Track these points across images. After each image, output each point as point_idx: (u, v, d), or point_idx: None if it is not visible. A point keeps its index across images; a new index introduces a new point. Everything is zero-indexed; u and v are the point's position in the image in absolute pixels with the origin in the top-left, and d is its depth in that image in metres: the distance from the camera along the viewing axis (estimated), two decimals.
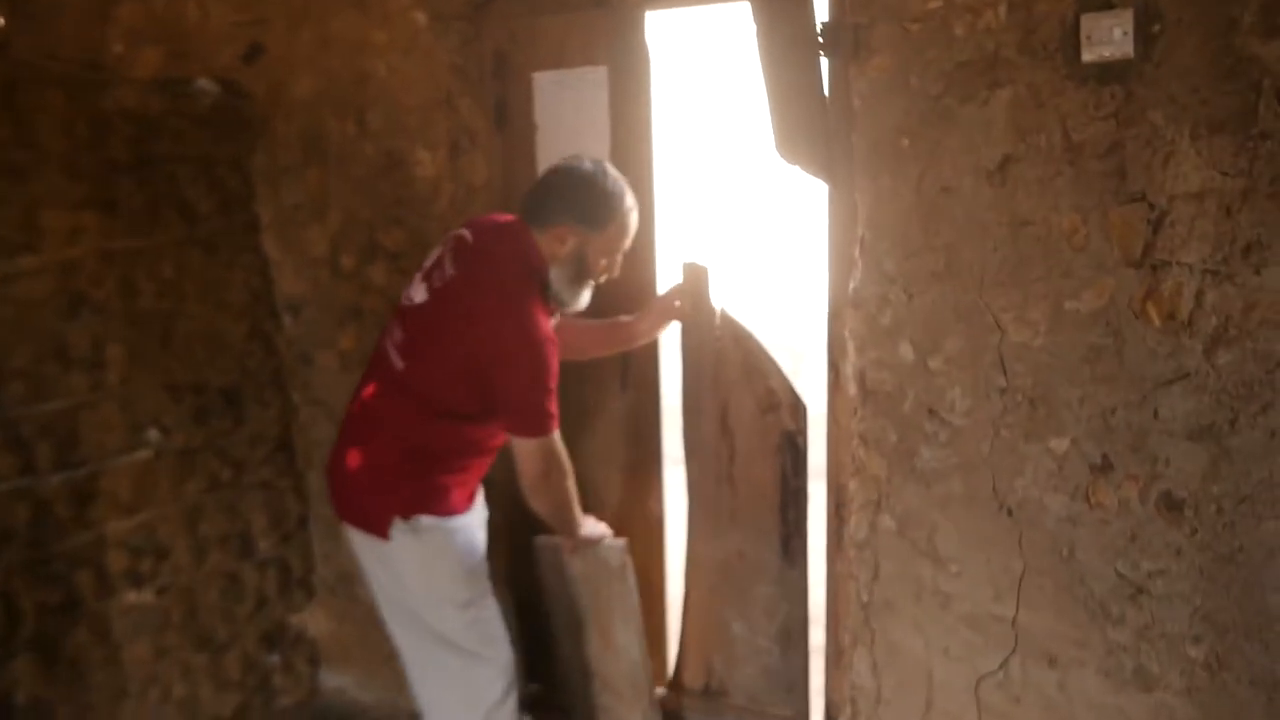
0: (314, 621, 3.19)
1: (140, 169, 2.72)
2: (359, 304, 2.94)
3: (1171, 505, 2.05)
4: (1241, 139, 1.89)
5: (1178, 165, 1.94)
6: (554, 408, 2.21)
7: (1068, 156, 2.03)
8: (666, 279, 2.62)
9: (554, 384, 2.20)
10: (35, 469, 2.44)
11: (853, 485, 2.37)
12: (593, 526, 2.50)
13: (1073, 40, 2.00)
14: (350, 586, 3.04)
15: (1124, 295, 2.02)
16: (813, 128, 2.24)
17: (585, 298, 2.32)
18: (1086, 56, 1.99)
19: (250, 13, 2.89)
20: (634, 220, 2.26)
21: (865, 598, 2.40)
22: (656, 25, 2.52)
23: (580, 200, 2.20)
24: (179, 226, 2.81)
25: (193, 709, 2.87)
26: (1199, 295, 1.96)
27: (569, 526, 2.41)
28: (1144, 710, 2.12)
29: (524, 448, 2.22)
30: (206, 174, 2.90)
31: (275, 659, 3.08)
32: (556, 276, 2.25)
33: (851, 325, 2.31)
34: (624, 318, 2.57)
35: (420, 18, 2.68)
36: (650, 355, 2.67)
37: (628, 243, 2.29)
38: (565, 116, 2.61)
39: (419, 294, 2.28)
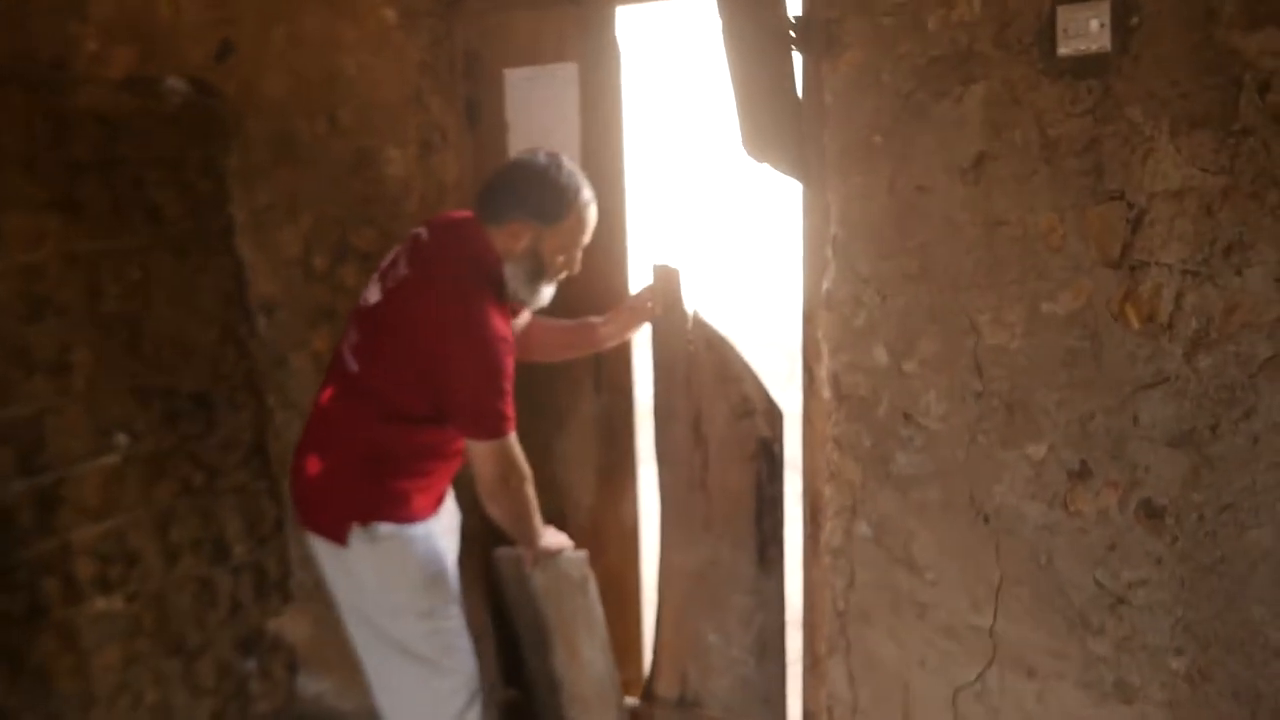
0: (292, 627, 3.15)
1: (106, 170, 2.67)
2: (332, 305, 2.89)
3: (1151, 513, 1.98)
4: (1222, 135, 1.82)
5: (1157, 162, 1.88)
6: (509, 409, 2.15)
7: (1044, 154, 1.97)
8: (639, 278, 2.57)
9: (509, 385, 2.15)
10: None
11: (828, 491, 2.31)
12: (553, 537, 2.44)
13: (1049, 33, 1.93)
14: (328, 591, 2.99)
15: (1102, 297, 1.96)
16: (784, 125, 2.18)
17: (545, 294, 2.26)
18: (1063, 50, 1.92)
19: (221, 10, 2.84)
20: (592, 214, 2.20)
21: (841, 606, 2.34)
22: (627, 21, 2.46)
23: (534, 194, 2.14)
24: (147, 228, 2.77)
25: (166, 715, 2.83)
26: (1179, 297, 1.89)
27: (527, 535, 2.35)
28: None
29: (478, 451, 2.17)
30: (176, 175, 2.85)
31: (251, 665, 3.04)
32: (512, 274, 2.19)
33: (825, 327, 2.25)
34: (594, 318, 2.51)
35: (390, 14, 2.63)
36: (623, 358, 2.62)
37: (586, 237, 2.23)
38: (537, 114, 2.56)
39: (373, 294, 2.23)
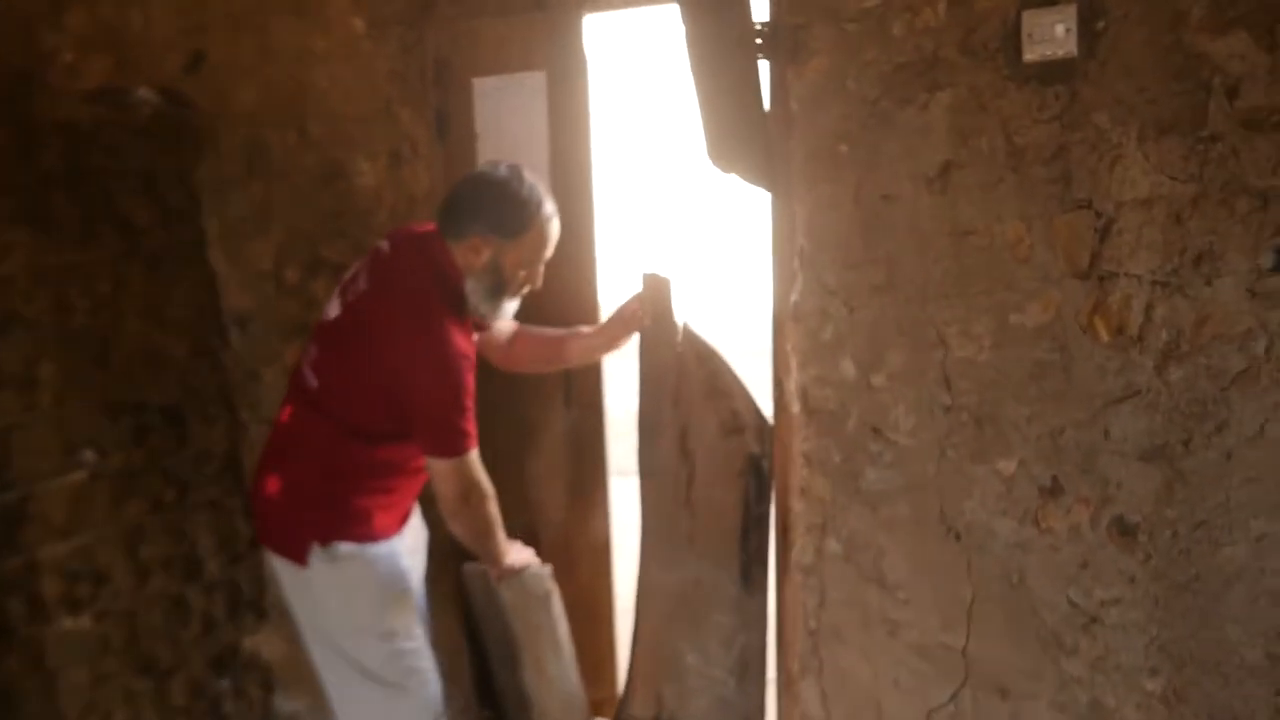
0: (268, 645, 3.10)
1: (75, 182, 2.64)
2: (304, 319, 2.85)
3: (1124, 530, 1.93)
4: (1191, 141, 1.78)
5: (1125, 170, 1.83)
6: (470, 426, 2.11)
7: (1010, 162, 1.92)
8: (608, 288, 2.52)
9: (470, 401, 2.11)
10: None
11: (798, 507, 2.26)
12: (518, 553, 2.39)
13: (1014, 39, 1.89)
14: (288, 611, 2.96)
15: (1070, 308, 1.91)
16: (751, 134, 2.15)
17: (507, 309, 2.22)
18: (1028, 56, 1.88)
19: (191, 19, 2.81)
20: (554, 228, 2.16)
21: (813, 625, 2.29)
22: (595, 29, 2.42)
23: (494, 208, 2.10)
24: (117, 241, 2.73)
25: None
26: (1149, 308, 1.85)
27: (491, 553, 2.31)
28: None
29: (439, 468, 2.13)
30: (148, 187, 2.81)
31: (226, 684, 3.00)
32: (473, 289, 2.16)
33: (793, 340, 2.20)
34: (583, 329, 2.47)
35: (359, 23, 2.60)
36: (594, 371, 2.58)
37: (548, 252, 2.19)
38: (505, 123, 2.53)
39: (333, 309, 2.20)
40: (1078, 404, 1.93)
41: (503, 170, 2.12)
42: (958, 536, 2.09)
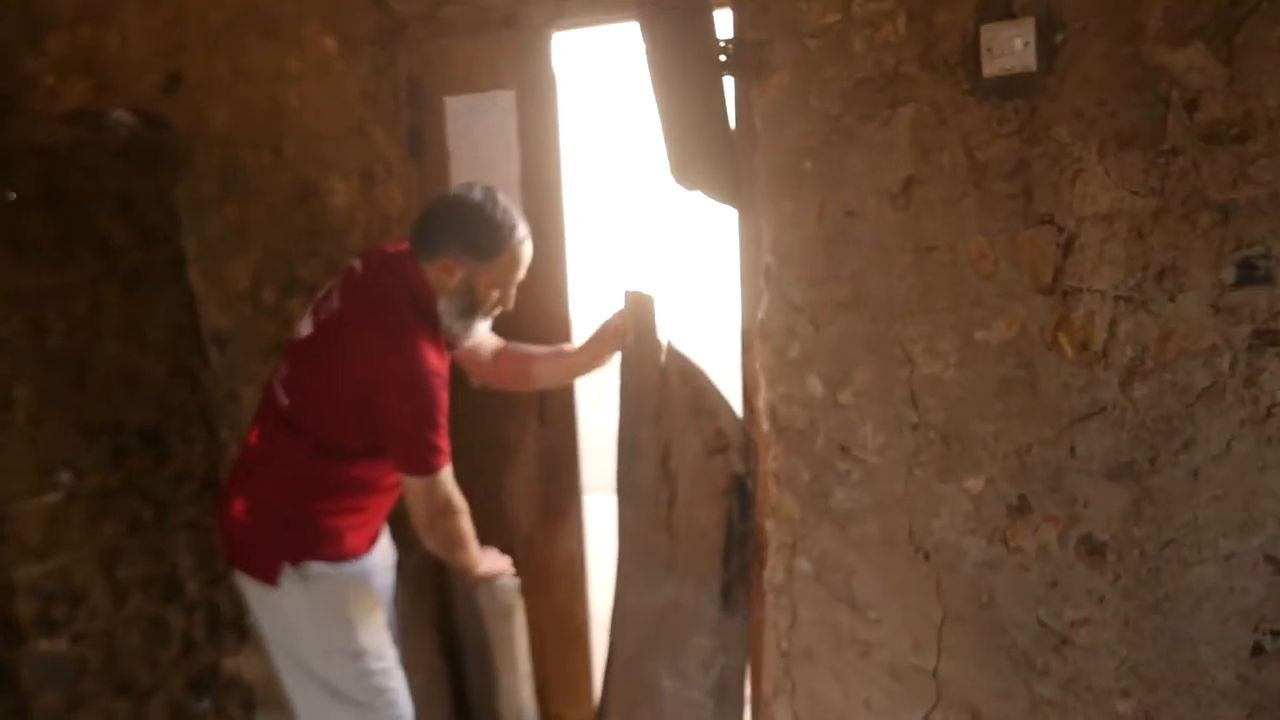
0: (249, 666, 3.09)
1: (51, 204, 2.65)
2: (281, 338, 2.84)
3: (1093, 549, 1.90)
4: (1151, 155, 1.75)
5: (1085, 184, 1.81)
6: (442, 443, 2.10)
7: (972, 177, 1.90)
8: (581, 305, 2.50)
9: (442, 419, 2.09)
10: None
11: (769, 526, 2.24)
12: (492, 561, 2.38)
13: (974, 53, 1.88)
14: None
15: (1035, 324, 1.89)
16: (716, 151, 2.13)
17: (479, 329, 2.21)
18: (988, 70, 1.86)
19: (167, 41, 2.82)
20: (526, 251, 2.15)
21: (785, 646, 2.26)
22: (565, 47, 2.42)
23: (467, 231, 2.09)
24: (94, 262, 2.74)
25: None
26: (1112, 324, 1.82)
27: (464, 566, 2.30)
28: None
29: (411, 485, 2.12)
30: (126, 208, 2.83)
31: (206, 705, 2.99)
32: (446, 309, 2.15)
33: (761, 358, 2.18)
34: (567, 347, 2.45)
35: (330, 44, 2.60)
36: (567, 389, 2.56)
37: (520, 274, 2.17)
38: (477, 141, 2.52)
39: (306, 327, 2.19)
40: (1044, 421, 1.91)
41: (477, 193, 2.11)
42: (927, 556, 2.06)
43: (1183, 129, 1.72)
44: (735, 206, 2.17)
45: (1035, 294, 1.88)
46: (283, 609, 2.18)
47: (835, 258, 2.05)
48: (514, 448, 2.63)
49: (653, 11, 2.03)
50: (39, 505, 2.60)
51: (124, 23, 2.92)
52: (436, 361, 2.11)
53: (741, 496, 2.33)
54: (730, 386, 2.35)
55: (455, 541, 2.22)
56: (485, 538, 2.33)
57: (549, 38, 2.38)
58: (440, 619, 2.74)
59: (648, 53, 2.04)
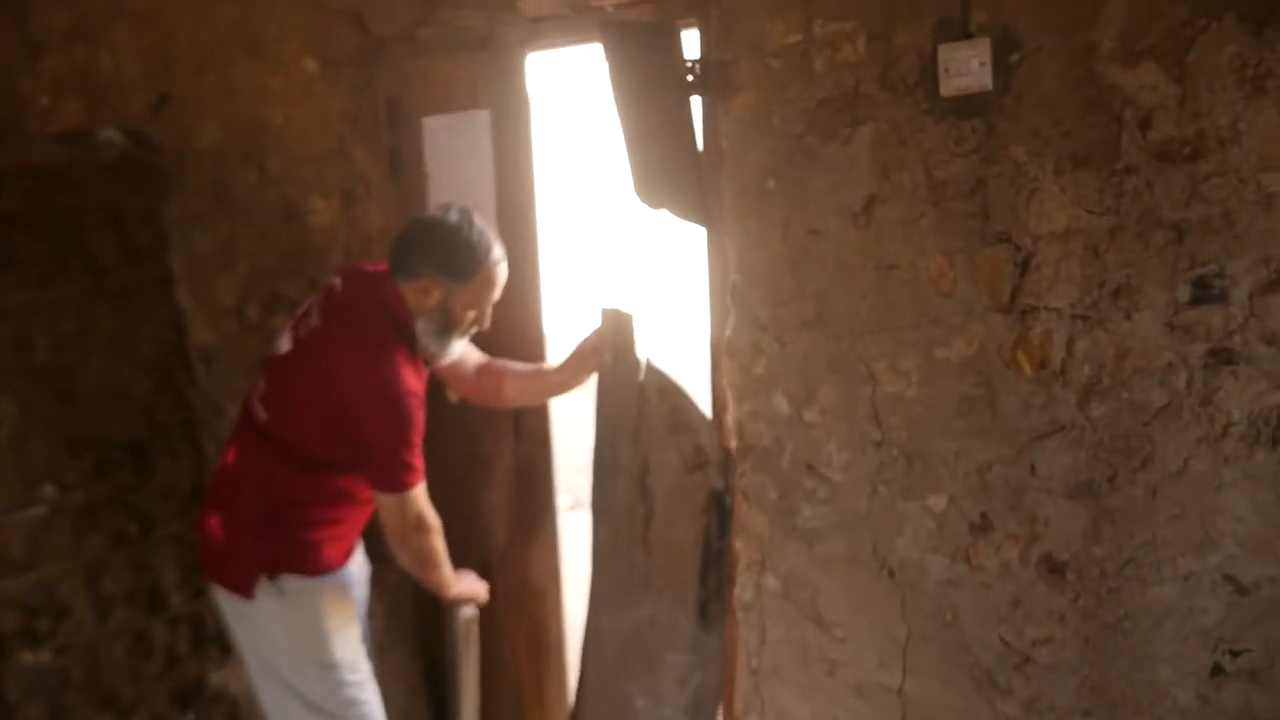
0: (234, 679, 3.11)
1: (40, 222, 2.69)
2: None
3: (1053, 568, 1.90)
4: (1106, 174, 1.76)
5: (1042, 203, 1.81)
6: (417, 461, 2.13)
7: (931, 196, 1.91)
8: (553, 323, 2.52)
9: (417, 438, 2.12)
10: None
11: (738, 544, 2.24)
12: (468, 584, 2.39)
13: (931, 73, 1.89)
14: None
15: (994, 343, 1.89)
16: (684, 170, 2.15)
17: (456, 348, 2.24)
18: (945, 90, 1.87)
19: (157, 62, 2.87)
20: (502, 271, 2.18)
21: (754, 664, 2.27)
22: (539, 67, 2.44)
23: (444, 252, 2.12)
24: (82, 279, 2.78)
25: None
26: (1070, 342, 1.82)
27: (437, 585, 2.31)
28: None
29: (385, 502, 2.15)
30: (115, 226, 2.86)
31: (191, 718, 3.01)
32: (423, 328, 2.18)
33: (728, 375, 2.19)
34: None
35: (311, 65, 2.64)
36: (541, 406, 2.58)
37: (496, 294, 2.20)
38: (454, 161, 2.55)
39: (285, 344, 2.23)
40: (1004, 440, 1.91)
41: (453, 215, 2.13)
42: (891, 574, 2.06)
43: (1136, 148, 1.72)
44: (703, 225, 2.19)
45: (994, 312, 1.88)
46: (258, 621, 2.21)
47: (799, 276, 2.07)
48: (490, 463, 2.65)
49: (617, 33, 2.05)
50: (23, 519, 2.63)
51: (116, 43, 2.96)
52: (413, 380, 2.14)
53: (720, 513, 2.33)
54: (703, 403, 2.36)
55: (426, 559, 2.24)
56: (462, 553, 2.35)
57: (523, 58, 2.41)
58: (420, 634, 2.76)
59: (611, 73, 2.06)
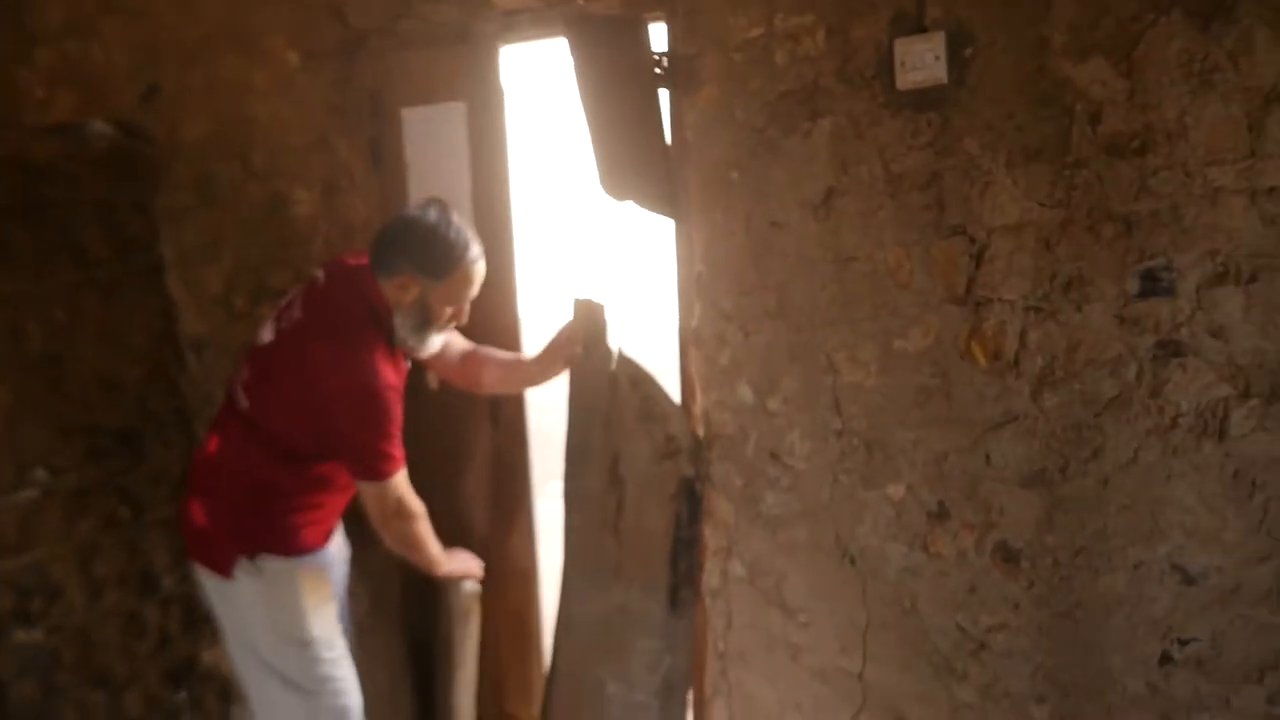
0: (226, 658, 3.18)
1: (30, 214, 2.75)
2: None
3: (1008, 557, 1.92)
4: (1058, 167, 1.77)
5: (995, 196, 1.83)
6: (396, 450, 2.17)
7: (888, 189, 1.93)
8: (528, 314, 2.55)
9: (395, 429, 2.16)
10: None
11: (705, 531, 2.28)
12: (459, 563, 2.44)
13: (888, 66, 1.90)
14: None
15: (950, 334, 1.91)
16: (651, 162, 2.17)
17: (434, 343, 2.28)
18: (902, 83, 1.89)
19: (145, 54, 2.92)
20: (480, 269, 2.21)
21: (721, 648, 2.30)
22: (515, 60, 2.47)
23: (422, 250, 2.15)
24: (73, 270, 2.83)
25: None
26: (1023, 334, 1.84)
27: (424, 564, 2.36)
28: None
29: (365, 490, 2.20)
30: (105, 217, 2.92)
31: (183, 696, 3.08)
32: (401, 323, 2.22)
33: (695, 365, 2.22)
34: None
35: (293, 57, 2.67)
36: (518, 394, 2.61)
37: (474, 291, 2.23)
38: (432, 152, 2.58)
39: (267, 334, 2.27)
40: (960, 430, 1.93)
41: (433, 214, 2.16)
42: (852, 561, 2.09)
43: (1087, 141, 1.74)
44: (670, 216, 2.21)
45: (949, 304, 1.90)
46: (237, 600, 2.27)
47: (762, 267, 2.09)
48: (468, 451, 2.69)
49: (582, 27, 2.08)
50: (15, 501, 2.70)
51: (106, 36, 3.01)
52: (391, 375, 2.18)
53: (690, 500, 2.36)
54: (673, 392, 2.39)
55: (410, 542, 2.29)
56: (442, 538, 2.39)
57: (497, 51, 2.43)
58: (405, 616, 2.80)
59: (576, 67, 2.09)
